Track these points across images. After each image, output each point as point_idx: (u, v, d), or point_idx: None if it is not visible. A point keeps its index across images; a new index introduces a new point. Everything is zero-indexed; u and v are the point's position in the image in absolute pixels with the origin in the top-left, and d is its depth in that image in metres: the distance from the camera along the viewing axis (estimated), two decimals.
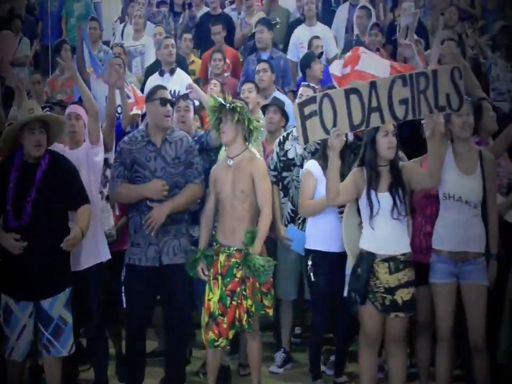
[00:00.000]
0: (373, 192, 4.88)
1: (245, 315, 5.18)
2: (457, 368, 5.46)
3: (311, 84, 6.43)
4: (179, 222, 5.34)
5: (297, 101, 5.62)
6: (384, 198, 4.87)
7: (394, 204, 4.85)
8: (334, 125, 4.78)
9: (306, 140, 4.87)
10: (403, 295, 4.84)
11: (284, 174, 5.86)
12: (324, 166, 5.34)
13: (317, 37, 8.37)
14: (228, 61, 8.34)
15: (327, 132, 4.80)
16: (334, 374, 5.73)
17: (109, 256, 5.43)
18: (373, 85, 4.79)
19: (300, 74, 8.16)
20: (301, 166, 5.79)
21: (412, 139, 5.66)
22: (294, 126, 6.03)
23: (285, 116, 6.30)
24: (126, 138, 5.46)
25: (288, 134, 5.97)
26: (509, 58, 7.99)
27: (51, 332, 4.90)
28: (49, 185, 4.86)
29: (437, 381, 5.08)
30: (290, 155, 5.89)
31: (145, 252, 5.26)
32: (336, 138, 4.77)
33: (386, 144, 4.87)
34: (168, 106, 5.35)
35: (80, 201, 5.00)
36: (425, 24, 8.80)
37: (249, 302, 5.16)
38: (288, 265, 5.80)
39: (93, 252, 5.25)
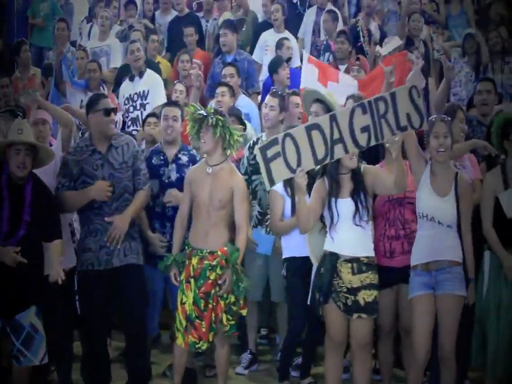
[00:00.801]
0: (333, 200, 4.92)
1: (224, 315, 5.19)
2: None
3: (279, 91, 6.41)
4: (129, 227, 5.32)
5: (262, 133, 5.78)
6: (346, 204, 4.90)
7: (357, 209, 4.88)
8: (299, 163, 4.78)
9: (272, 183, 4.87)
10: (365, 296, 4.87)
11: (253, 177, 5.90)
12: (287, 183, 5.42)
13: (287, 39, 8.38)
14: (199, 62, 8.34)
15: (292, 171, 4.81)
16: (300, 376, 5.76)
17: (74, 263, 5.38)
18: (332, 117, 4.81)
19: (264, 75, 8.24)
20: None
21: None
22: (263, 131, 6.10)
23: (242, 123, 6.32)
24: (70, 149, 5.45)
25: (258, 139, 6.02)
26: (474, 67, 8.05)
27: (22, 342, 4.84)
28: (31, 212, 4.84)
29: None
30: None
31: (97, 256, 5.26)
32: (301, 178, 4.78)
33: (348, 154, 4.90)
34: (112, 115, 5.35)
35: (54, 235, 4.98)
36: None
37: (232, 299, 5.19)
38: (255, 267, 5.85)
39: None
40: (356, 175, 4.95)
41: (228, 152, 5.30)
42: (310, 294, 5.14)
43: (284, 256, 5.62)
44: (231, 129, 5.30)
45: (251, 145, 6.00)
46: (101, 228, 5.26)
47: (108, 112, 5.31)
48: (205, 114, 5.25)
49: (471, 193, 5.07)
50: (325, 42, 8.81)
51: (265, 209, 5.88)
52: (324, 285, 4.90)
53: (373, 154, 5.50)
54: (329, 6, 9.30)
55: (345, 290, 4.88)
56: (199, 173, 5.33)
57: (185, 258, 5.25)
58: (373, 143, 4.83)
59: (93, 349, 5.44)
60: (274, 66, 7.62)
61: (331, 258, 4.91)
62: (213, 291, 5.16)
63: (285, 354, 5.70)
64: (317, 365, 5.83)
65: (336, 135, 4.78)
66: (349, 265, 4.88)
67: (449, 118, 5.14)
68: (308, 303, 5.19)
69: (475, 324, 5.12)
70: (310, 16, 9.39)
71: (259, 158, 4.83)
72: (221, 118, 5.24)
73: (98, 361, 5.41)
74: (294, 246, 5.47)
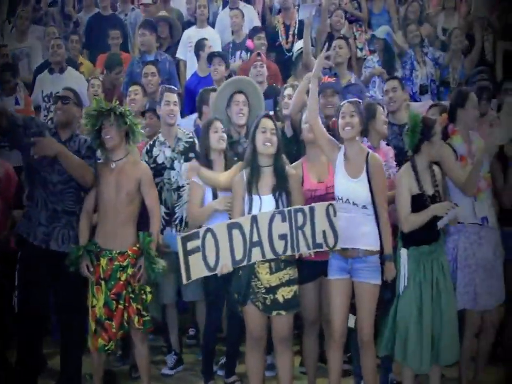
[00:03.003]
0: (253, 197, 4.92)
1: (136, 316, 5.16)
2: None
3: (175, 88, 6.42)
4: (71, 214, 5.27)
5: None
6: (266, 201, 4.92)
7: (277, 207, 4.90)
8: (217, 262, 4.83)
9: (188, 277, 4.87)
10: (284, 293, 4.90)
11: (156, 180, 5.77)
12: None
13: (206, 39, 8.29)
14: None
15: (209, 269, 4.85)
16: (224, 375, 5.76)
17: None
18: (254, 219, 4.85)
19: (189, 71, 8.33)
20: (172, 167, 5.86)
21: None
22: (159, 132, 6.05)
23: None
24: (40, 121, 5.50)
25: (154, 141, 5.98)
26: (386, 63, 8.12)
27: None
28: None
29: (330, 375, 5.13)
30: (159, 160, 5.91)
31: (35, 230, 5.18)
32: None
33: (262, 140, 4.94)
34: (59, 104, 5.30)
35: None
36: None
37: (148, 289, 5.19)
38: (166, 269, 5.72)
39: None
40: (278, 170, 4.98)
41: (130, 147, 5.31)
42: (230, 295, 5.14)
43: None
44: (135, 120, 5.31)
45: (148, 149, 5.96)
46: (40, 199, 5.20)
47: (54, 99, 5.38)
48: (110, 108, 5.20)
49: (383, 172, 5.12)
50: (231, 44, 8.82)
51: (172, 209, 5.86)
52: (242, 287, 4.91)
53: (295, 152, 5.62)
54: (242, 4, 9.32)
55: (263, 291, 4.90)
56: (102, 169, 5.29)
57: (94, 248, 5.18)
58: (289, 253, 4.89)
59: (25, 350, 5.21)
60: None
61: None
62: (124, 292, 5.14)
63: (204, 355, 5.68)
64: (242, 362, 5.81)
65: (255, 238, 4.84)
66: (267, 265, 4.90)
67: (359, 101, 5.24)
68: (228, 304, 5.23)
69: (396, 321, 5.13)
70: (223, 17, 9.39)
71: (179, 248, 4.84)
72: (127, 108, 5.25)
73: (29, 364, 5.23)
74: None
